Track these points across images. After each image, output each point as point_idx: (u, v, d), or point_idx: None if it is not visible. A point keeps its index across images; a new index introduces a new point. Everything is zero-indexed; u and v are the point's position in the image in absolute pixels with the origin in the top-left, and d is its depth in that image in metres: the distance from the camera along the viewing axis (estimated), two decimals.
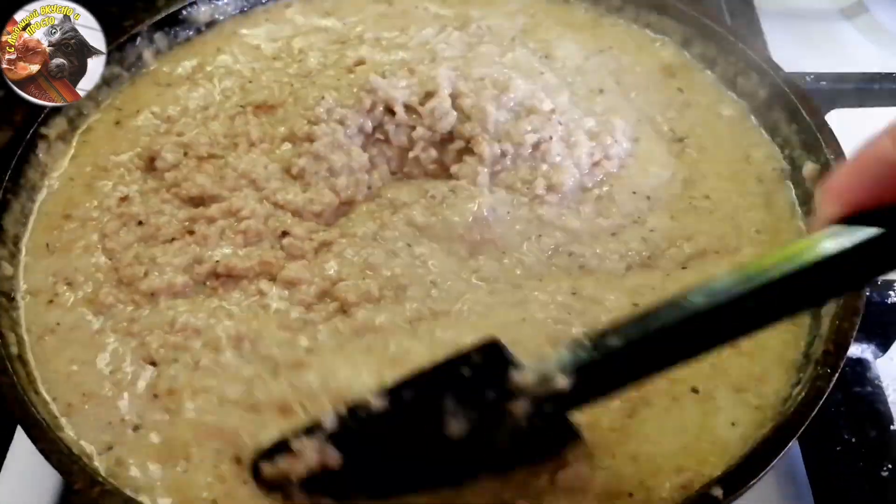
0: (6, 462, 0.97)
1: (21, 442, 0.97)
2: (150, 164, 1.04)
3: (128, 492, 0.77)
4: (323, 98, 1.04)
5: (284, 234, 0.95)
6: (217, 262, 0.93)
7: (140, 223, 0.98)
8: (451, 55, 1.12)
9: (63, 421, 0.83)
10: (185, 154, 1.03)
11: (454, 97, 1.02)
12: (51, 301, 0.93)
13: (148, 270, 0.93)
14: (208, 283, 0.93)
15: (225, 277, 0.93)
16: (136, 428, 0.83)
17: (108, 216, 1.00)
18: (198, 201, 0.99)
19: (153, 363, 0.87)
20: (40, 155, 1.05)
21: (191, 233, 0.97)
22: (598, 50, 1.18)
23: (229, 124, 1.07)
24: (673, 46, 1.18)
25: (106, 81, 1.12)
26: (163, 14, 1.19)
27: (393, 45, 1.18)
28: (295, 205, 0.97)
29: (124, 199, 1.01)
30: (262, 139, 1.04)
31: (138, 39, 1.17)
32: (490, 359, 0.70)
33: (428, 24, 1.22)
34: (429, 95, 1.02)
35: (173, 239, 0.96)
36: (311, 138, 1.00)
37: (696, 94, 1.13)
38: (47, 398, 0.85)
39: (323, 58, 1.16)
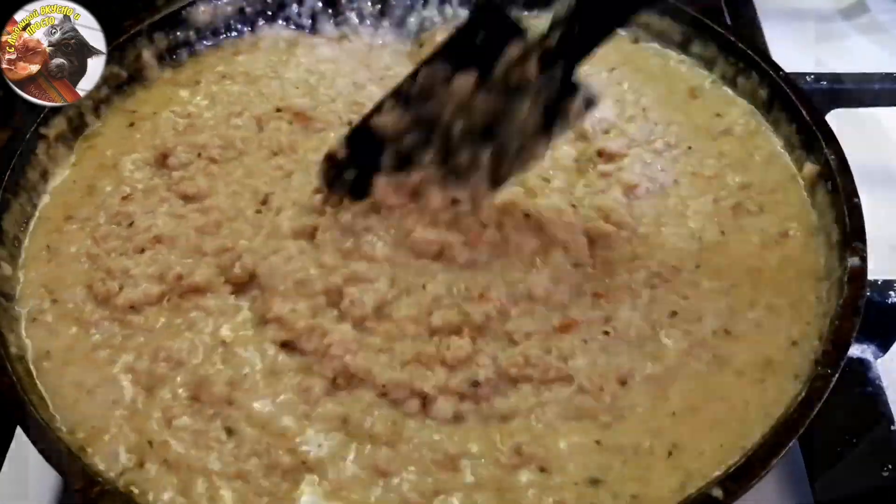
0: (5, 462, 0.96)
1: (21, 441, 0.96)
2: (161, 160, 1.04)
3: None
4: None
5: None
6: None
7: (131, 224, 0.96)
8: None
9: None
10: (199, 155, 1.03)
11: None
12: (34, 319, 0.90)
13: (123, 284, 0.90)
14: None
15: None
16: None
17: (105, 216, 0.98)
18: (191, 199, 0.99)
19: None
20: (40, 155, 1.04)
21: (159, 241, 0.94)
22: None
23: (254, 126, 1.06)
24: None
25: (105, 80, 1.10)
26: (163, 13, 1.19)
27: None
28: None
29: (126, 197, 1.00)
30: (292, 147, 1.04)
31: (138, 40, 1.16)
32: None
33: None
34: None
35: (143, 249, 0.94)
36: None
37: None
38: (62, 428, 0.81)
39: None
